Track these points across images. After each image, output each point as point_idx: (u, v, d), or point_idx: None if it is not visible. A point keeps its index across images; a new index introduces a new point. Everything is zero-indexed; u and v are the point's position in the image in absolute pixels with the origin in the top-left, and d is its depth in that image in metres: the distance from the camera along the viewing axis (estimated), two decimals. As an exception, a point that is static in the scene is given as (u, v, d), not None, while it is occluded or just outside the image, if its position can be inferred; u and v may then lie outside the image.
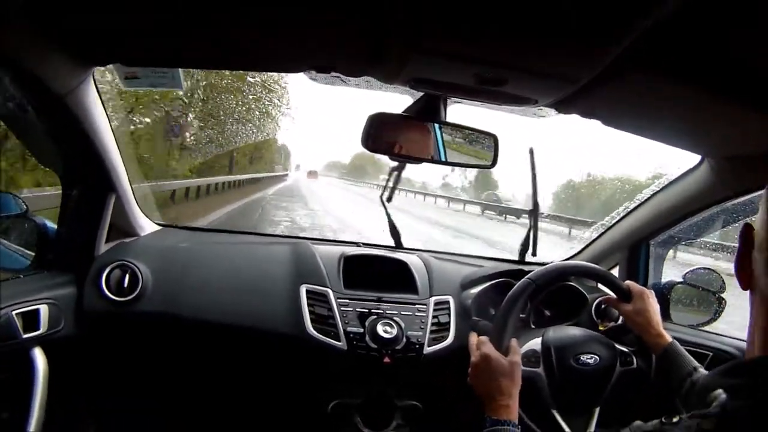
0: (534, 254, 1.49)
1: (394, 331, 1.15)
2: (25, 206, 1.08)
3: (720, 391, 0.47)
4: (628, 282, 1.10)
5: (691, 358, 0.97)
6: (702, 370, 0.93)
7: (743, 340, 1.14)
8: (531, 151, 1.36)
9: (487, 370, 0.90)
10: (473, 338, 0.99)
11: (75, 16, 0.69)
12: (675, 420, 0.47)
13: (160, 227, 1.39)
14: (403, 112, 0.92)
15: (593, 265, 1.20)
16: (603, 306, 1.26)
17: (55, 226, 1.12)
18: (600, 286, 1.30)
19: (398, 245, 1.48)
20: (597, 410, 1.04)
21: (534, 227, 1.47)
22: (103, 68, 0.91)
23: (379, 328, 1.14)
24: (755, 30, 0.56)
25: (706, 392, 0.49)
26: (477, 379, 0.91)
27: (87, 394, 1.24)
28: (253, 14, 0.66)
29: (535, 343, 1.06)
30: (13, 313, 0.91)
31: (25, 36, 0.72)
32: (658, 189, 1.27)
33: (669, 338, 1.00)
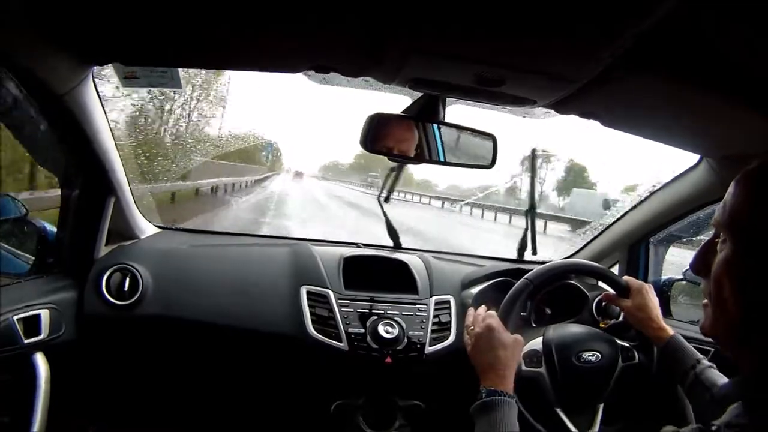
0: (534, 253, 1.52)
1: (395, 332, 1.15)
2: (24, 209, 1.08)
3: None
4: (626, 277, 1.11)
5: (694, 350, 0.97)
6: (705, 362, 0.94)
7: None
8: (533, 153, 1.36)
9: (489, 339, 0.90)
10: (471, 313, 0.98)
11: (74, 15, 0.69)
12: (714, 428, 0.48)
13: (160, 230, 1.38)
14: (402, 112, 0.92)
15: (590, 262, 1.20)
16: (603, 303, 1.27)
17: (55, 230, 1.11)
18: (600, 283, 1.30)
19: (397, 246, 1.48)
20: (601, 407, 1.04)
21: (532, 227, 1.50)
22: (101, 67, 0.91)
23: (380, 329, 1.14)
24: (753, 31, 0.56)
25: (727, 403, 0.49)
26: (477, 350, 0.90)
27: (88, 398, 1.23)
28: (253, 14, 0.66)
29: (537, 343, 1.06)
30: (14, 318, 0.91)
31: (24, 34, 0.71)
32: (658, 188, 1.27)
33: (671, 331, 1.00)
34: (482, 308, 0.99)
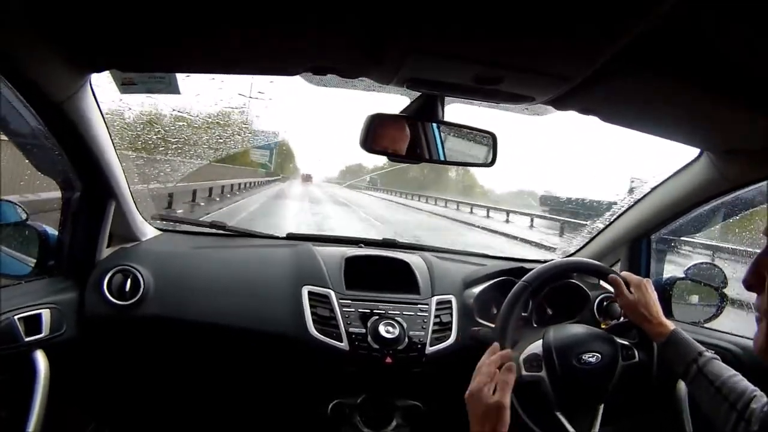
0: None
1: (396, 331, 1.15)
2: (25, 214, 1.08)
3: None
4: (624, 273, 1.10)
5: (696, 343, 0.96)
6: (708, 354, 0.93)
7: (746, 338, 1.13)
8: None
9: (496, 415, 0.82)
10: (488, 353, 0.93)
11: (72, 22, 0.69)
12: None
13: (161, 232, 1.39)
14: (401, 112, 0.91)
15: (588, 260, 1.20)
16: (605, 303, 1.26)
17: (56, 233, 1.12)
18: (602, 282, 1.30)
19: (400, 245, 1.48)
20: (601, 407, 1.04)
21: None
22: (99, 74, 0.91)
23: (381, 329, 1.14)
24: (753, 31, 0.56)
25: None
26: (478, 405, 0.84)
27: (88, 398, 1.24)
28: (252, 15, 0.65)
29: (536, 347, 1.05)
30: (15, 317, 0.92)
31: (22, 42, 0.72)
32: (658, 184, 1.27)
33: (671, 326, 1.00)
34: (497, 357, 0.90)
